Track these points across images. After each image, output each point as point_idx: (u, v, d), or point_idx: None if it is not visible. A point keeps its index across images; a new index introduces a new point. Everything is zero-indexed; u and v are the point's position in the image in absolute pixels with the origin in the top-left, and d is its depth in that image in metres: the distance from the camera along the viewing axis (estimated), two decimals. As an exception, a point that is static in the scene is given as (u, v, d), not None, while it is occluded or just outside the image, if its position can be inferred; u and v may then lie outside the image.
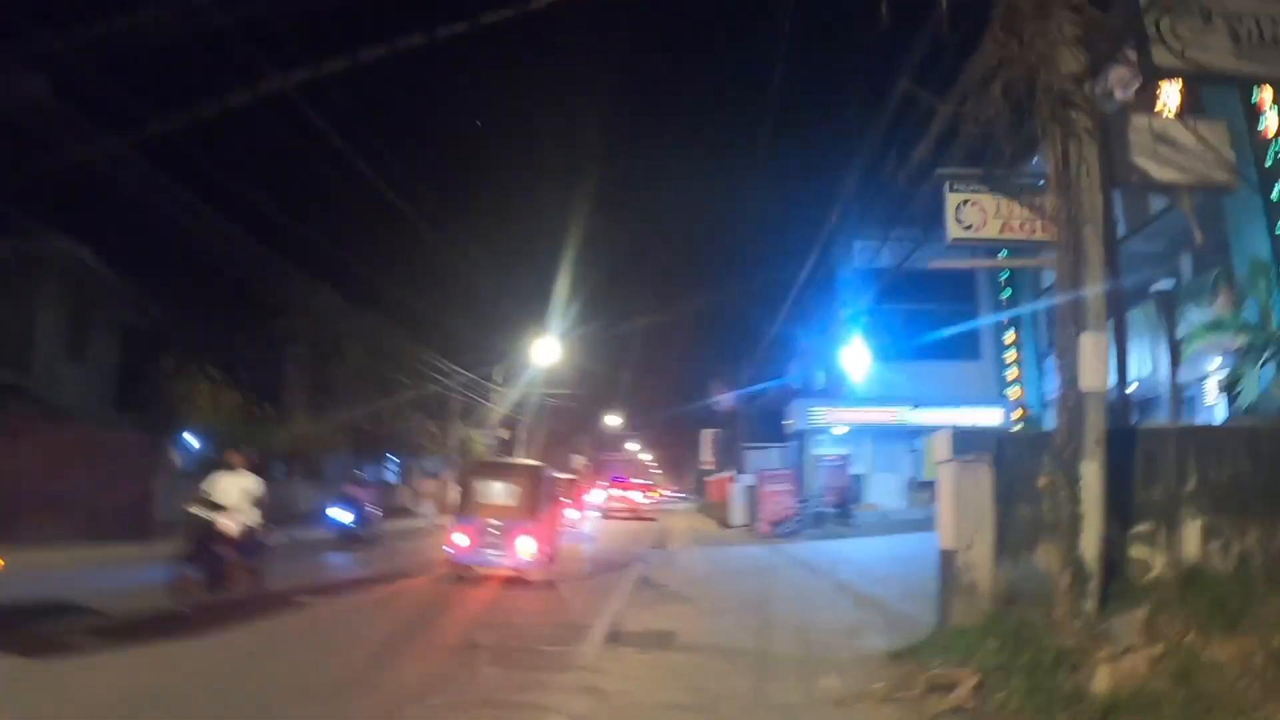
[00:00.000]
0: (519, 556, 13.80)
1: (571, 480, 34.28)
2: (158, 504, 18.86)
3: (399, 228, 33.99)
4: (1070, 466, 6.69)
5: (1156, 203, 23.42)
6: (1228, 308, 20.02)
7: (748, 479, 30.37)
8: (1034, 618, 6.83)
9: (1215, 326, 19.47)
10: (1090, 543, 6.55)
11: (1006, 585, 7.48)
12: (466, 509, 14.77)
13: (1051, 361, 28.01)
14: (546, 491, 15.99)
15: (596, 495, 50.13)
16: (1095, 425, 6.71)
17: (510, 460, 23.99)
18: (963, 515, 7.79)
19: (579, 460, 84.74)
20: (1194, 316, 19.53)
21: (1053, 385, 26.17)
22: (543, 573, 14.25)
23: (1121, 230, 25.44)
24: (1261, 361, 13.25)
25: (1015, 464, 7.84)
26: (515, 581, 13.74)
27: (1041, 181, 8.62)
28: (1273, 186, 15.91)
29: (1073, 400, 6.90)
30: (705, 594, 11.89)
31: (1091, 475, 6.62)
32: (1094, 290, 6.96)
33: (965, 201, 9.64)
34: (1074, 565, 6.52)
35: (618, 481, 52.96)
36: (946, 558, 8.07)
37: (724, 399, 36.76)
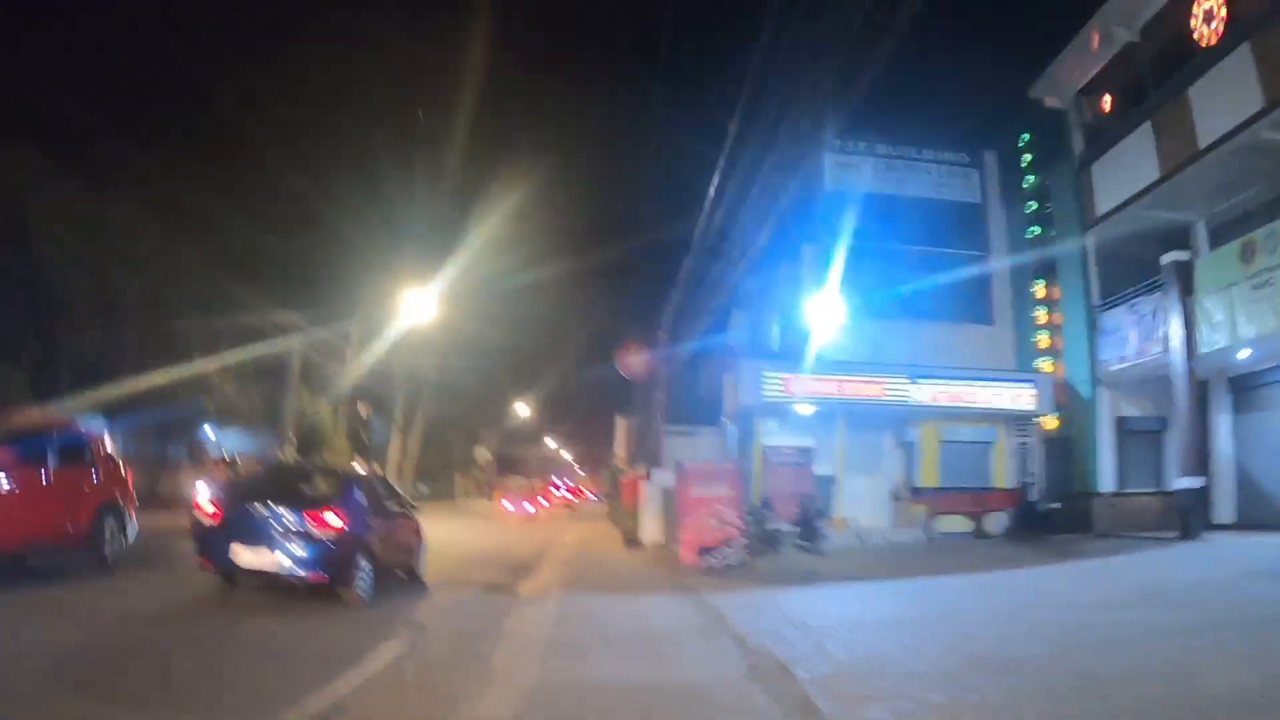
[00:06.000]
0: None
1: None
2: None
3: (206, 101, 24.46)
4: None
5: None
6: None
7: (664, 477, 20.55)
8: None
9: None
10: None
11: None
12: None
13: (1111, 320, 18.82)
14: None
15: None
16: None
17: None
18: None
19: (482, 453, 75.37)
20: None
21: (1115, 353, 17.00)
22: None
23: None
24: None
25: None
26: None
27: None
28: None
29: None
30: None
31: None
32: None
33: None
34: None
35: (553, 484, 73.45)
36: None
37: (633, 363, 26.56)
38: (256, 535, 9.59)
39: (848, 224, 23.41)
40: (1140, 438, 21.80)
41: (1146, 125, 19.83)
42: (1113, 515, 20.22)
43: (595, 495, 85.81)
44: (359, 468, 27.94)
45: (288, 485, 10.95)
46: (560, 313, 46.46)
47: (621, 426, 47.27)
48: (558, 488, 72.56)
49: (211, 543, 9.84)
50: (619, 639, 8.25)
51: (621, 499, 39.80)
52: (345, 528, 9.88)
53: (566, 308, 59.98)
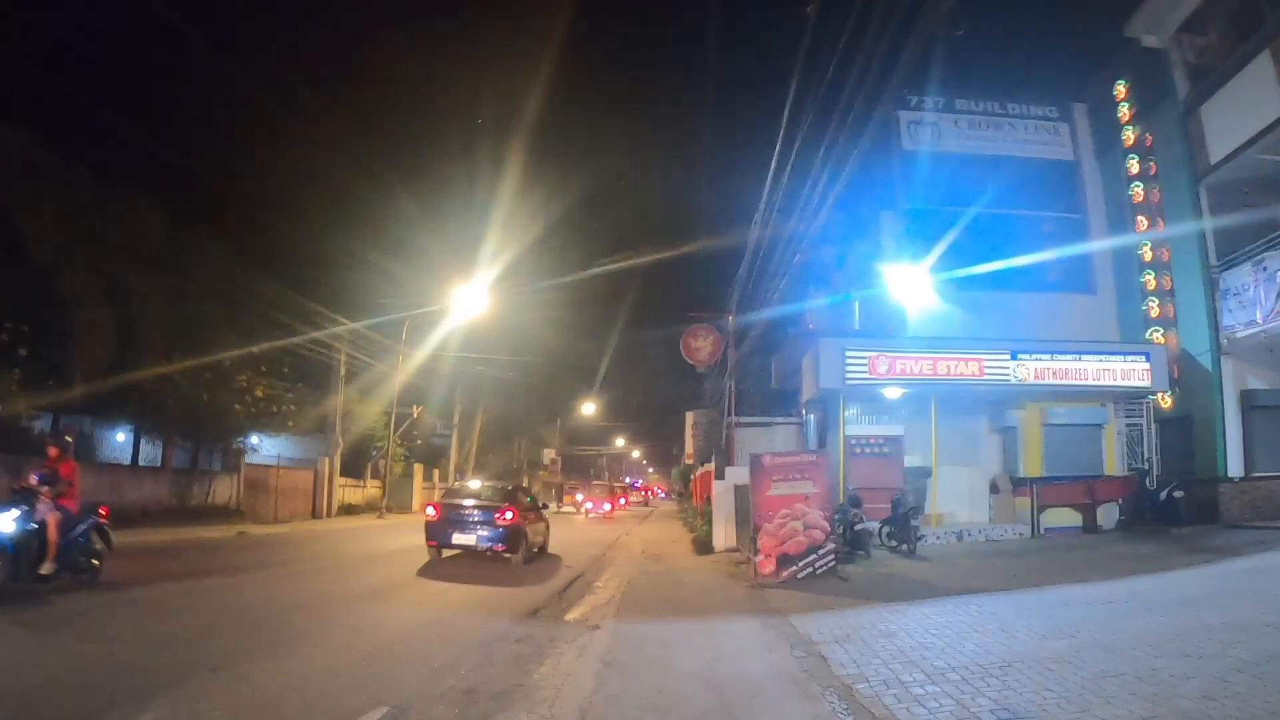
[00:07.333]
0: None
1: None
2: None
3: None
4: None
5: None
6: None
7: (738, 474, 18.55)
8: None
9: None
10: None
11: None
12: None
13: (1234, 281, 16.44)
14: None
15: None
16: None
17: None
18: None
19: (549, 454, 74.10)
20: None
21: (1240, 318, 14.60)
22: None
23: None
24: None
25: None
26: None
27: None
28: None
29: None
30: None
31: None
32: None
33: None
34: None
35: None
36: None
37: (700, 348, 24.36)
38: (464, 525, 15.84)
39: (929, 187, 21.32)
40: (1270, 413, 19.30)
41: (1264, 55, 17.50)
42: (1243, 503, 17.94)
43: (664, 493, 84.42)
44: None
45: (480, 495, 17.22)
46: (626, 309, 44.93)
47: (690, 422, 45.25)
48: (630, 489, 74.14)
49: (438, 531, 15.97)
50: (683, 701, 6.23)
51: (692, 498, 37.85)
52: (515, 520, 15.89)
53: (632, 304, 57.90)
